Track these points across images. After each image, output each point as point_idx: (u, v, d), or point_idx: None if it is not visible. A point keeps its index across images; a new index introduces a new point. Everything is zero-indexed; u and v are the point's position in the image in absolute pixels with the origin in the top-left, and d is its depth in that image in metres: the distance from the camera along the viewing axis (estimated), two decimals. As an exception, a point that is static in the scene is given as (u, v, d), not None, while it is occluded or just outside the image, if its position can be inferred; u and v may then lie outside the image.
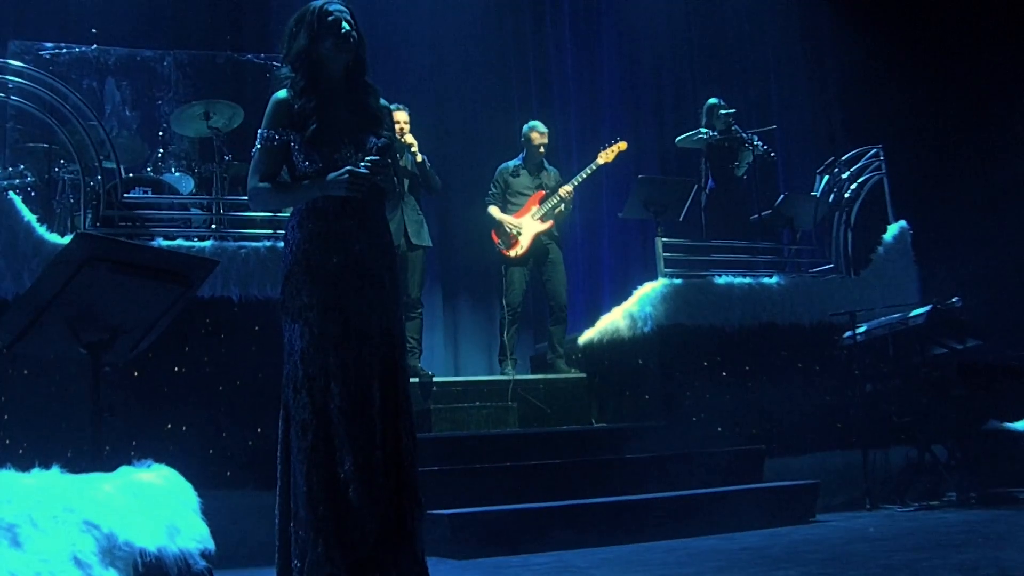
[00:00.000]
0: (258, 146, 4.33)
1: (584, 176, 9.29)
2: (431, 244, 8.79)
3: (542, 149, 9.32)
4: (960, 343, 8.05)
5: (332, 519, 4.00)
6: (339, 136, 4.29)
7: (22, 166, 8.28)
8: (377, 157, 4.21)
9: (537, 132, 9.34)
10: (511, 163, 9.46)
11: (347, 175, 4.15)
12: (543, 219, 9.15)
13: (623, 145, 9.43)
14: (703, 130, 9.93)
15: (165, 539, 3.70)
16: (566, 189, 9.17)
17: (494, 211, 9.29)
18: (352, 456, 4.05)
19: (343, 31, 4.28)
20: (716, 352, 8.26)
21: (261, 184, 4.31)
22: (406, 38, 11.41)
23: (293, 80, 4.35)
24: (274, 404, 4.27)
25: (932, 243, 9.75)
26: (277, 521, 4.17)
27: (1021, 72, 11.13)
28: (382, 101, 4.50)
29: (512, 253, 9.13)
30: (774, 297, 8.57)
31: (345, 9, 4.35)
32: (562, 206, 9.18)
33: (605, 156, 9.38)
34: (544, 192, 9.25)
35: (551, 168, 9.49)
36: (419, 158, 8.38)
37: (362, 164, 4.18)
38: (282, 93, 4.35)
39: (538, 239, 9.15)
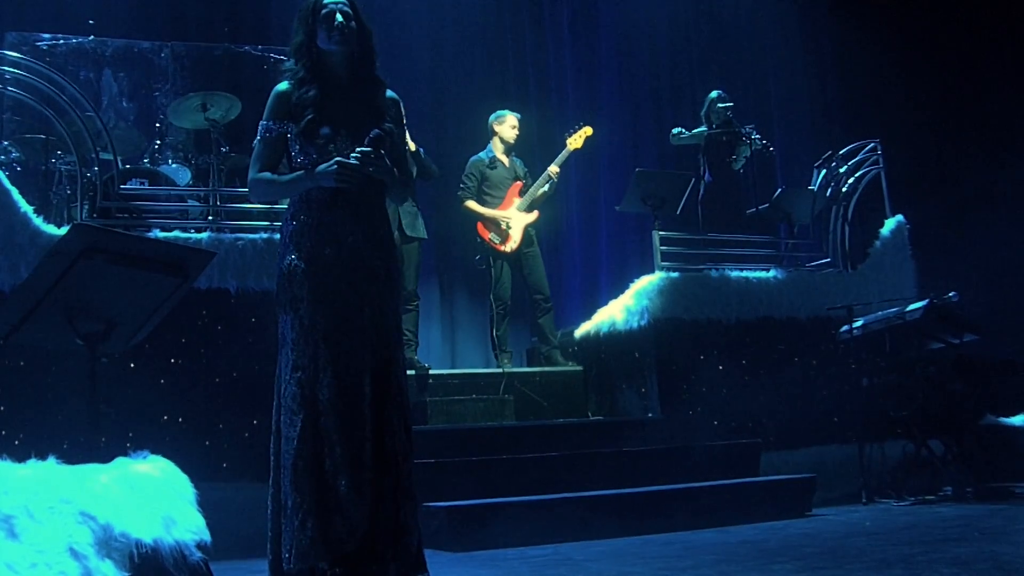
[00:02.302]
0: (258, 137, 4.38)
1: (562, 160, 9.21)
2: (426, 236, 8.70)
3: (515, 137, 9.21)
4: (957, 338, 8.06)
5: (318, 510, 4.01)
6: (336, 128, 4.30)
7: (6, 142, 8.25)
8: (369, 148, 4.20)
9: (515, 119, 9.23)
10: (483, 155, 9.29)
11: (335, 166, 4.16)
12: (528, 210, 9.09)
13: (589, 130, 9.33)
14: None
15: (161, 530, 3.70)
16: (554, 170, 9.09)
17: (474, 205, 9.11)
18: (340, 448, 4.06)
19: (336, 24, 4.30)
20: (713, 346, 8.26)
21: (259, 175, 4.37)
22: (404, 31, 11.39)
23: (294, 72, 4.39)
24: (270, 396, 4.28)
25: (929, 238, 9.76)
26: (270, 511, 4.19)
27: (1019, 67, 11.14)
28: (389, 93, 4.51)
29: (507, 248, 9.04)
30: (771, 291, 8.58)
31: (343, 1, 4.36)
32: (546, 186, 9.10)
33: (573, 142, 9.27)
34: (522, 183, 9.20)
35: (517, 159, 9.39)
36: (412, 147, 8.33)
37: (352, 155, 4.18)
38: (283, 85, 4.40)
39: (527, 230, 9.09)
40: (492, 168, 9.20)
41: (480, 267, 9.20)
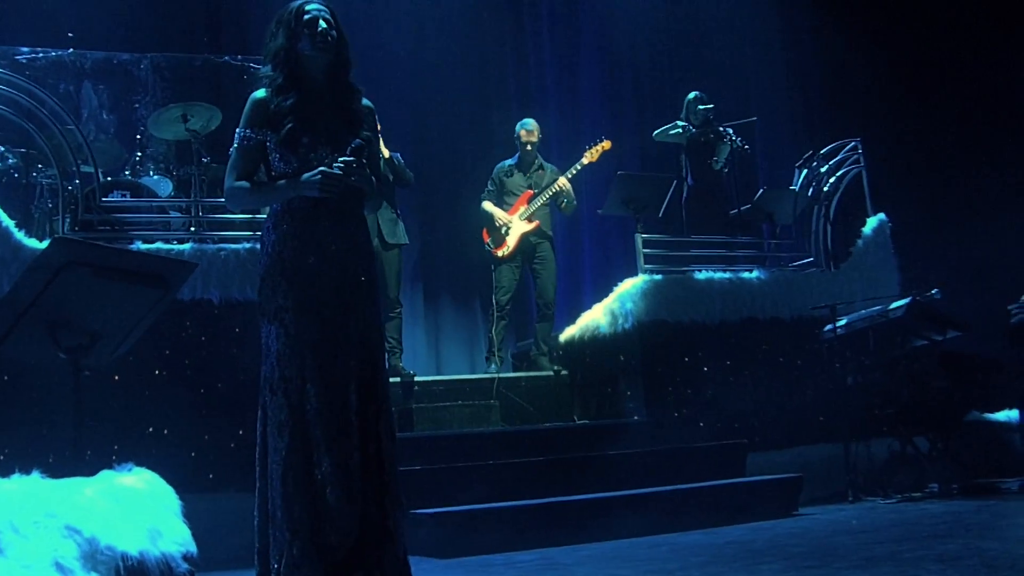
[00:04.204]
0: (235, 145, 4.34)
1: (574, 171, 9.27)
2: (407, 242, 8.70)
3: (528, 147, 9.26)
4: (940, 335, 8.09)
5: (308, 520, 4.00)
6: (316, 136, 4.27)
7: (2, 148, 8.22)
8: (351, 158, 4.19)
9: (524, 130, 9.31)
10: (507, 162, 9.44)
11: (320, 175, 4.15)
12: (530, 219, 9.12)
13: (607, 144, 9.38)
14: (680, 123, 9.93)
15: (147, 543, 3.70)
16: (562, 182, 9.15)
17: (487, 205, 9.27)
18: (329, 457, 4.05)
19: (319, 29, 4.27)
20: (697, 347, 8.26)
21: (237, 183, 4.31)
22: (385, 38, 11.38)
23: (271, 79, 4.35)
24: (255, 406, 4.26)
25: (911, 235, 9.78)
26: (256, 523, 4.16)
27: (1000, 64, 11.18)
28: (364, 101, 4.49)
29: (500, 253, 9.12)
30: (754, 292, 8.59)
31: (324, 8, 4.35)
32: (564, 200, 9.18)
33: (590, 156, 9.34)
34: (532, 192, 9.23)
35: (548, 166, 9.44)
36: (386, 154, 8.32)
37: (335, 165, 4.17)
38: (260, 92, 4.34)
39: (526, 239, 9.13)
40: (509, 176, 9.38)
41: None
